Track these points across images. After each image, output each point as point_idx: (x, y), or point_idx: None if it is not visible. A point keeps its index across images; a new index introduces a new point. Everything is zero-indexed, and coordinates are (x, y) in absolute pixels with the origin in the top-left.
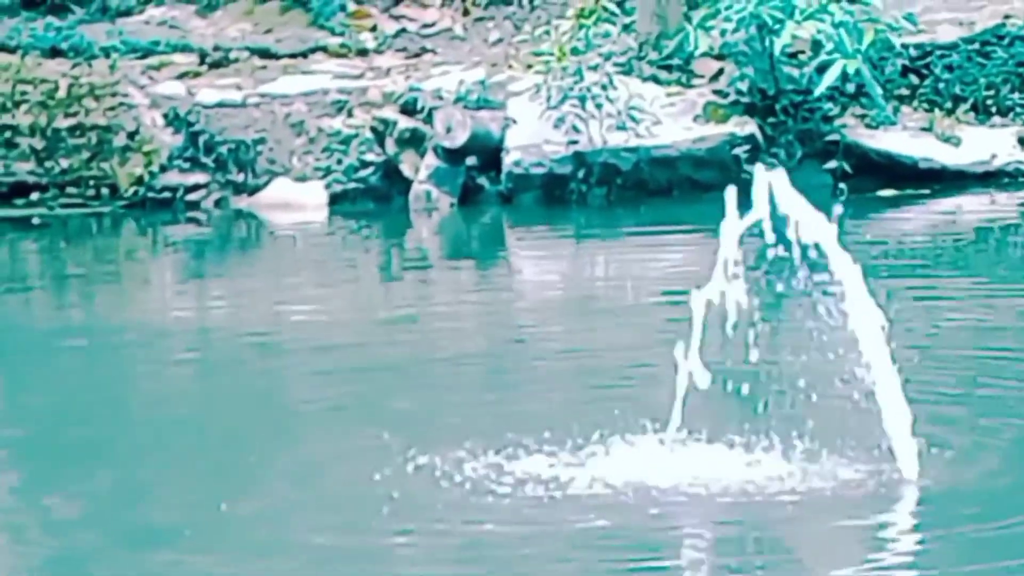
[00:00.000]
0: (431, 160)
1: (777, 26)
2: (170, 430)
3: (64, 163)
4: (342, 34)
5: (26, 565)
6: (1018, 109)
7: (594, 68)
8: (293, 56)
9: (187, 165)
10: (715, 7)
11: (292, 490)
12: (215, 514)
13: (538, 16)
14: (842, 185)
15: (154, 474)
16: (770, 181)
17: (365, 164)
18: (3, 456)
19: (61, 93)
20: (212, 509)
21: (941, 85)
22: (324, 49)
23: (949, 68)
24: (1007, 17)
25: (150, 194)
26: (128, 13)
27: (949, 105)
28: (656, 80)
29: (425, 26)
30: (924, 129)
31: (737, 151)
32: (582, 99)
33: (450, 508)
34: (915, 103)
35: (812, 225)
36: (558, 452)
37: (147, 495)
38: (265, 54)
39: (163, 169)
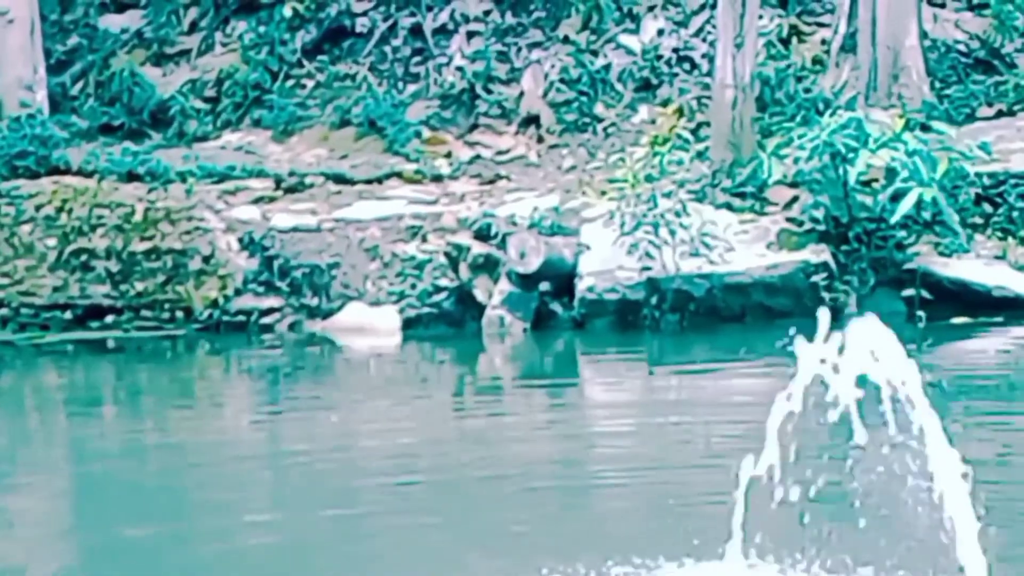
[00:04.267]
0: (504, 285)
1: (851, 155)
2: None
3: (139, 286)
4: (417, 160)
5: None
6: None
7: (668, 195)
8: (368, 182)
9: (261, 289)
10: (789, 135)
11: None
12: None
13: (612, 143)
14: (920, 313)
15: None
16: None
17: (439, 289)
18: None
19: (137, 217)
20: None
21: (1015, 214)
22: (399, 175)
23: (1023, 197)
24: None
25: (224, 317)
26: (204, 138)
27: (1023, 234)
28: (730, 207)
29: (499, 153)
30: (998, 257)
31: (814, 279)
32: (655, 225)
33: None
34: (989, 231)
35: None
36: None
37: None
38: (340, 179)
39: (238, 293)
